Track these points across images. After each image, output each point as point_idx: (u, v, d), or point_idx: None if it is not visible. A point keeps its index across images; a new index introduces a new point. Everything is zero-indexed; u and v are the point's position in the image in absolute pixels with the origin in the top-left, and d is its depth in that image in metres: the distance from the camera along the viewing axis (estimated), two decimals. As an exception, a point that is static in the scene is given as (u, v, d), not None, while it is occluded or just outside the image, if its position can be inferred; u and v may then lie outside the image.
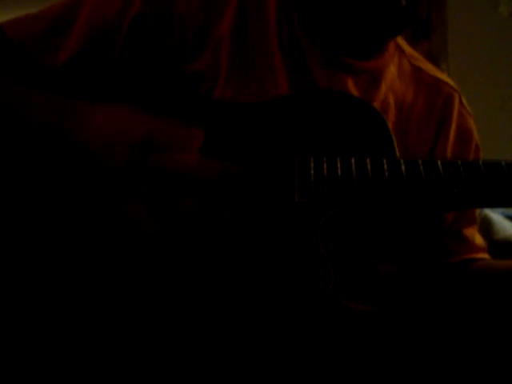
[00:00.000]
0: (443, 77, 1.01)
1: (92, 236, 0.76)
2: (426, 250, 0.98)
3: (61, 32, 0.85)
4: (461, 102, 1.00)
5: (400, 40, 1.00)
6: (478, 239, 1.01)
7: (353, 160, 0.78)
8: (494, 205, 0.79)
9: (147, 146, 0.70)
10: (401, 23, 0.90)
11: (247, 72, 0.87)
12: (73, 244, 0.76)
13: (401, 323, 0.82)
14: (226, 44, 0.87)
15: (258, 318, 0.73)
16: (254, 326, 0.73)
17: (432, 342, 0.77)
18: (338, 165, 0.77)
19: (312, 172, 0.77)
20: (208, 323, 0.73)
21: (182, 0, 0.87)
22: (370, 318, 0.83)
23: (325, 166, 0.77)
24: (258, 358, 0.73)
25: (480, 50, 2.73)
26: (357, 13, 0.86)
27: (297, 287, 0.71)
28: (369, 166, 0.77)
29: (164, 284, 0.72)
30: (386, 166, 0.77)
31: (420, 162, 0.77)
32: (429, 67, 1.01)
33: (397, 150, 0.80)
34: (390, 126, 0.87)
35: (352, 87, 0.90)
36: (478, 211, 1.05)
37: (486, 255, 1.00)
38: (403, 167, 0.77)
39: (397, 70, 0.96)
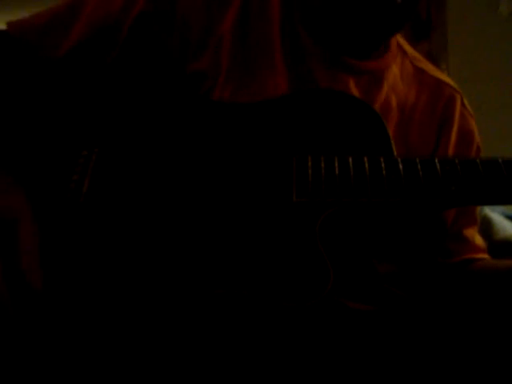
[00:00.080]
0: (445, 78, 1.01)
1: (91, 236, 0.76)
2: (426, 250, 0.98)
3: (64, 25, 0.87)
4: (462, 104, 1.00)
5: (402, 41, 1.00)
6: (478, 239, 1.01)
7: (350, 159, 0.78)
8: (492, 202, 0.79)
9: None
10: (398, 21, 0.90)
11: (248, 72, 0.87)
12: (73, 244, 0.76)
13: (400, 323, 0.82)
14: (227, 43, 0.87)
15: (257, 317, 0.73)
16: (254, 326, 0.73)
17: (432, 342, 0.77)
18: (336, 164, 0.77)
19: (310, 171, 0.77)
20: (208, 323, 0.73)
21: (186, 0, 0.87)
22: (370, 318, 0.83)
23: (322, 165, 0.77)
24: (259, 358, 0.73)
25: (480, 50, 2.72)
26: (354, 10, 0.86)
27: (296, 287, 0.71)
28: (366, 165, 0.77)
29: (164, 284, 0.72)
30: (383, 165, 0.77)
31: (417, 160, 0.78)
32: (431, 68, 1.01)
33: (394, 150, 0.80)
34: (392, 126, 0.87)
35: (353, 87, 0.90)
36: (477, 211, 1.05)
37: (486, 255, 1.00)
38: (401, 166, 0.77)
39: (399, 70, 0.96)
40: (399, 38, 0.99)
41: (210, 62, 0.86)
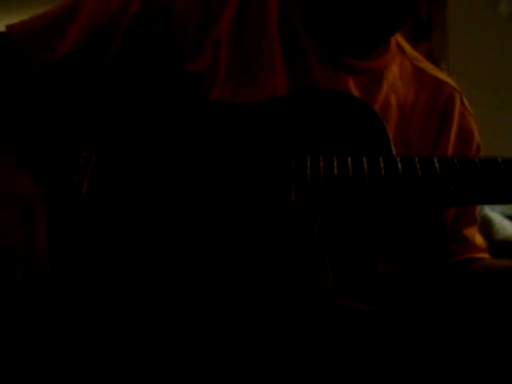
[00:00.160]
0: (444, 77, 1.01)
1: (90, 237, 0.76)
2: (426, 250, 0.98)
3: (60, 29, 0.87)
4: (462, 103, 1.00)
5: (401, 41, 1.00)
6: (479, 239, 1.01)
7: (349, 159, 0.78)
8: (491, 201, 0.79)
9: None
10: (397, 20, 0.90)
11: (246, 72, 0.87)
12: (73, 244, 0.76)
13: (400, 322, 0.82)
14: (225, 43, 0.87)
15: (257, 317, 0.73)
16: (254, 325, 0.73)
17: (432, 342, 0.77)
18: (335, 164, 0.77)
19: (308, 171, 0.77)
20: (207, 323, 0.73)
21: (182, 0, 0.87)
22: (370, 318, 0.83)
23: (321, 164, 0.77)
24: (258, 358, 0.73)
25: (480, 50, 2.72)
26: (353, 9, 0.85)
27: (295, 286, 0.71)
28: (365, 165, 0.77)
29: (163, 284, 0.72)
30: (382, 164, 0.77)
31: (416, 159, 0.78)
32: (430, 67, 1.01)
33: (393, 150, 0.80)
34: (392, 126, 0.87)
35: (353, 87, 0.90)
36: (477, 211, 1.05)
37: (486, 255, 1.00)
38: (400, 165, 0.77)
39: (398, 70, 0.96)
40: (398, 38, 0.99)
41: (208, 62, 0.86)
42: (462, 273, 0.97)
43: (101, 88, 0.87)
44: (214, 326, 0.73)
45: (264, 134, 0.82)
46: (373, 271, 0.89)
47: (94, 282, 0.73)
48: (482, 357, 0.74)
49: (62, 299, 0.72)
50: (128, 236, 0.76)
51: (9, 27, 0.89)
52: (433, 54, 2.70)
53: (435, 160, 0.77)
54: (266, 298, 0.70)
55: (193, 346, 0.72)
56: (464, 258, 0.98)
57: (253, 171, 0.79)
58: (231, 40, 0.88)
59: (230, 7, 0.88)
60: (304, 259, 0.72)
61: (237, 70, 0.87)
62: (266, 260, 0.73)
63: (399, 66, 0.97)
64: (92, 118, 0.86)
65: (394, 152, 0.80)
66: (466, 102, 1.01)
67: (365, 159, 0.77)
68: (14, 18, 0.90)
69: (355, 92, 0.90)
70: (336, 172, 0.77)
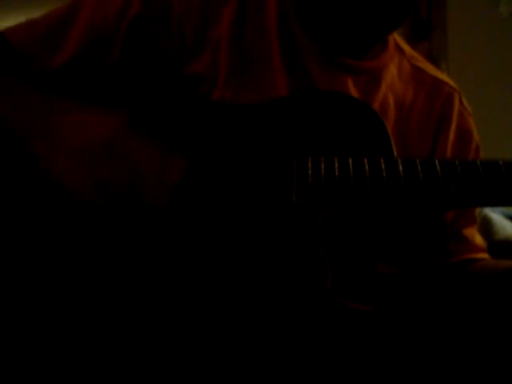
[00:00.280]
0: (443, 77, 1.01)
1: (91, 236, 0.76)
2: (426, 250, 0.98)
3: (60, 34, 0.86)
4: (461, 102, 1.00)
5: (400, 41, 1.00)
6: (478, 239, 1.01)
7: (350, 160, 0.78)
8: (492, 204, 0.79)
9: None
10: (395, 18, 0.90)
11: (246, 73, 0.87)
12: (73, 244, 0.76)
13: (400, 323, 0.82)
14: (225, 44, 0.87)
15: (256, 317, 0.73)
16: (253, 325, 0.73)
17: (431, 342, 0.77)
18: (336, 165, 0.77)
19: (310, 172, 0.77)
20: (206, 323, 0.73)
21: (181, 0, 0.87)
22: (371, 319, 0.83)
23: (322, 165, 0.77)
24: (258, 358, 0.73)
25: (480, 50, 2.72)
26: (351, 7, 0.85)
27: (295, 287, 0.71)
28: (366, 166, 0.77)
29: (163, 284, 0.72)
30: (383, 166, 0.77)
31: (418, 161, 0.78)
32: (429, 67, 1.01)
33: (395, 151, 0.80)
34: (390, 125, 0.87)
35: (352, 87, 0.90)
36: (477, 211, 1.05)
37: (486, 255, 1.00)
38: (401, 167, 0.77)
39: (397, 70, 0.96)
40: (397, 37, 0.99)
41: (207, 64, 0.86)
42: (461, 273, 0.97)
43: (100, 90, 0.87)
44: (214, 325, 0.73)
45: (265, 134, 0.82)
46: (373, 272, 0.89)
47: (93, 281, 0.73)
48: (482, 357, 0.74)
49: (62, 299, 0.72)
50: (128, 236, 0.76)
51: (6, 32, 0.87)
52: (433, 54, 2.70)
53: (436, 162, 0.77)
54: (267, 298, 0.70)
55: (193, 345, 0.72)
56: (463, 258, 0.98)
57: (254, 171, 0.79)
58: (231, 41, 0.88)
59: (230, 8, 0.88)
60: (304, 259, 0.72)
61: (237, 70, 0.87)
62: (266, 260, 0.73)
63: (397, 66, 0.97)
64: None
65: (395, 152, 0.80)
66: (465, 101, 1.01)
67: (366, 160, 0.78)
68: (14, 18, 0.89)
69: (354, 92, 0.90)
70: (337, 173, 0.77)
